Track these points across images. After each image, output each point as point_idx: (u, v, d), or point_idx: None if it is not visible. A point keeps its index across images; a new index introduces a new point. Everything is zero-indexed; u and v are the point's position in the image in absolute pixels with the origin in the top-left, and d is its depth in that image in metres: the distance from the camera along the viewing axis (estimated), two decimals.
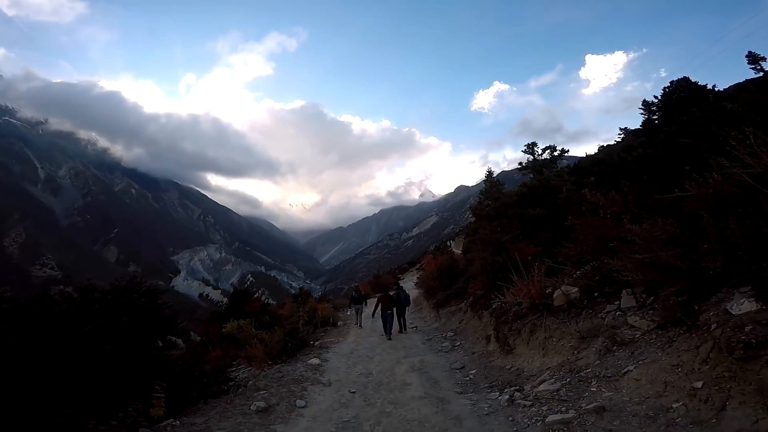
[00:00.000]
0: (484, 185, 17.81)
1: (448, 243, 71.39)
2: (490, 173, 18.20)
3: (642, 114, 19.03)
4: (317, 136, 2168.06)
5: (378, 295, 15.50)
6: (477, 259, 12.02)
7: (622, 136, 24.32)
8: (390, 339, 12.84)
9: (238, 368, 10.78)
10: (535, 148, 17.56)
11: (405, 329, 14.04)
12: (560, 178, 14.45)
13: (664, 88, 18.49)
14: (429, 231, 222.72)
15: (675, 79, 18.27)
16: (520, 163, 18.37)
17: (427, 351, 10.99)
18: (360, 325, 15.92)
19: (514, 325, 8.03)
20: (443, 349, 11.04)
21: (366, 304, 16.96)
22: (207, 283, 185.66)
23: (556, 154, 17.24)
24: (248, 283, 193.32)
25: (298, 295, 15.68)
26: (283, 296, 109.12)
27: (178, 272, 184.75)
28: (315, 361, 9.78)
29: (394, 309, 13.67)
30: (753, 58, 26.05)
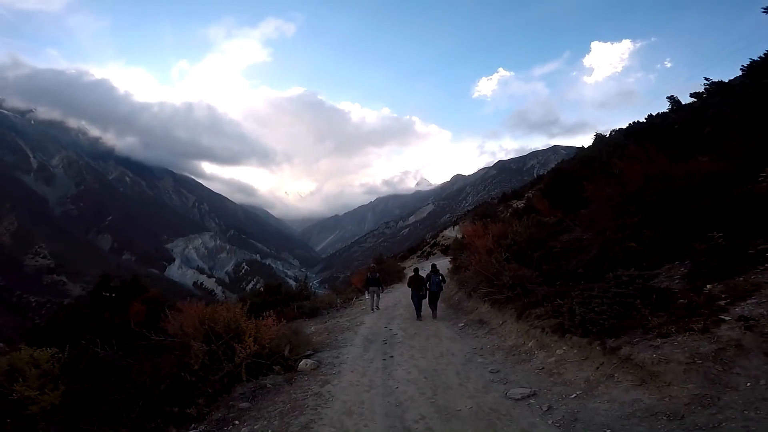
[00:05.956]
0: None
1: (453, 228, 59.31)
2: None
3: None
4: (315, 124, 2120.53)
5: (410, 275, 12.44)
6: None
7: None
8: (420, 320, 11.10)
9: None
10: None
11: (435, 316, 11.27)
12: None
13: None
14: (426, 219, 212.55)
15: None
16: None
17: None
18: (377, 307, 13.40)
19: None
20: None
21: (382, 288, 14.59)
22: (201, 271, 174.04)
23: None
24: (243, 271, 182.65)
25: None
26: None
27: (172, 260, 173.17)
28: None
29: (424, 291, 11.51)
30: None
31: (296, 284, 21.44)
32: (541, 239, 9.05)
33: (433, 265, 12.97)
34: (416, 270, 12.91)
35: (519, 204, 24.54)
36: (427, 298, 11.79)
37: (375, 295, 13.65)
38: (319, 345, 8.93)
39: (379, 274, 14.59)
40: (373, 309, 13.38)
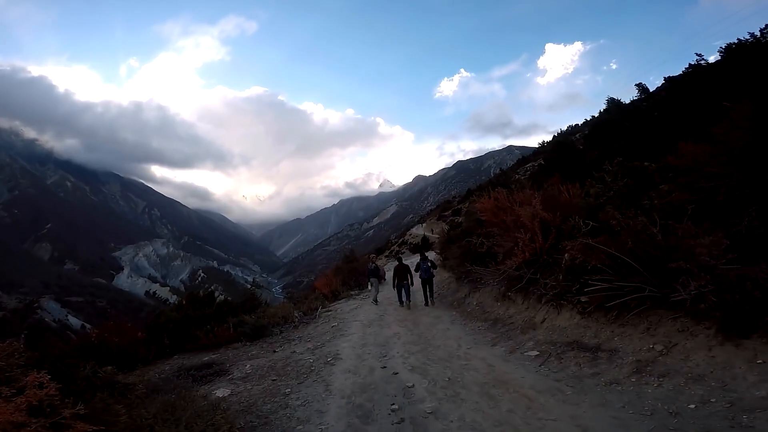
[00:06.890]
0: None
1: (421, 225, 59.05)
2: None
3: None
4: (275, 125, 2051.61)
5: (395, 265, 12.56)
6: None
7: None
8: (408, 308, 11.30)
9: None
10: None
11: (432, 302, 11.60)
12: None
13: None
14: (389, 220, 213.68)
15: None
16: None
17: None
18: (375, 301, 12.93)
19: None
20: None
21: (379, 279, 13.95)
22: (154, 279, 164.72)
23: None
24: (199, 278, 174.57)
25: None
26: (238, 292, 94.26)
27: (120, 269, 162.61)
28: None
29: (410, 280, 11.74)
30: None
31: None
32: (640, 193, 7.05)
33: (422, 253, 13.33)
34: (399, 259, 13.30)
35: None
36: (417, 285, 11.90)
37: (375, 287, 13.35)
38: (244, 426, 4.54)
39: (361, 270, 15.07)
40: (373, 300, 13.04)
